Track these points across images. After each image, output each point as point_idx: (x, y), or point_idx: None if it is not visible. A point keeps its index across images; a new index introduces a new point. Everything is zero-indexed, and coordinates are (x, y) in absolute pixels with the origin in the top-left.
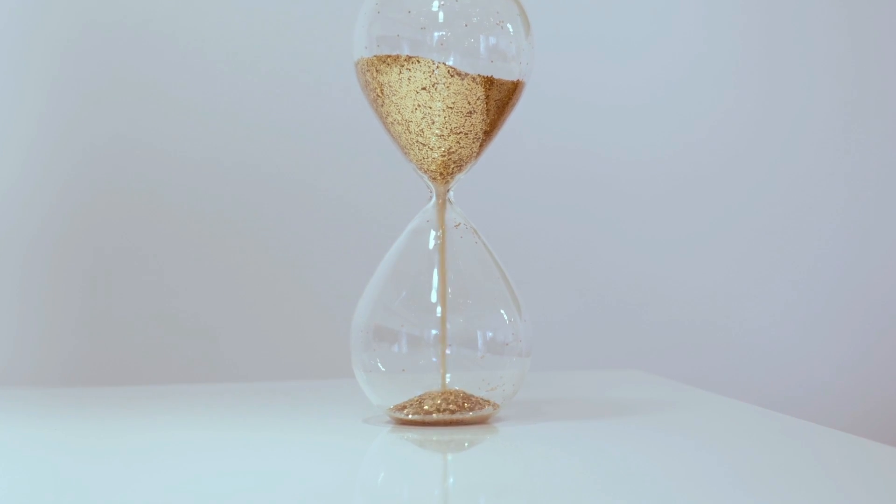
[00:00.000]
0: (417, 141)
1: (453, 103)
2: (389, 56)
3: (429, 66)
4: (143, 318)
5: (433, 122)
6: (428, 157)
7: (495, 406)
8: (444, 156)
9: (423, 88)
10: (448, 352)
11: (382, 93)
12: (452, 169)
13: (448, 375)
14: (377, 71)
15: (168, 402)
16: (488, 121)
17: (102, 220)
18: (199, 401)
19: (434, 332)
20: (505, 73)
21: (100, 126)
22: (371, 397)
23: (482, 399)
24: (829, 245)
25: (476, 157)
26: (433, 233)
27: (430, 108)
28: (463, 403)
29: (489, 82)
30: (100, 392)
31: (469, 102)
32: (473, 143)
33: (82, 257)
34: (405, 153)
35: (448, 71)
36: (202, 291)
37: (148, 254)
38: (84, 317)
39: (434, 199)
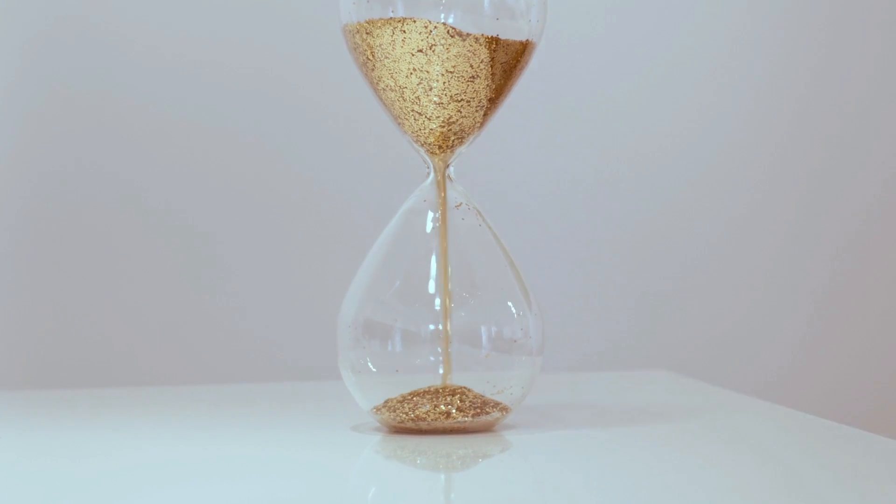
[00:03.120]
0: (413, 110)
1: (453, 67)
2: (381, 19)
3: (426, 26)
4: (105, 315)
5: (430, 89)
6: (425, 128)
7: (505, 409)
8: (444, 126)
9: (420, 50)
10: (449, 350)
11: (373, 56)
12: (453, 141)
13: (448, 377)
14: (367, 33)
15: (130, 408)
16: (493, 86)
17: (75, 219)
18: (164, 407)
19: (432, 327)
20: (512, 33)
21: (72, 126)
22: (360, 402)
23: (489, 399)
24: (884, 229)
25: (479, 127)
26: (431, 214)
27: (428, 72)
28: (466, 408)
29: (494, 43)
30: (59, 395)
31: (471, 66)
32: (476, 111)
33: (52, 253)
34: (399, 124)
35: (448, 30)
36: (168, 285)
37: (107, 245)
38: (52, 315)
39: (432, 175)
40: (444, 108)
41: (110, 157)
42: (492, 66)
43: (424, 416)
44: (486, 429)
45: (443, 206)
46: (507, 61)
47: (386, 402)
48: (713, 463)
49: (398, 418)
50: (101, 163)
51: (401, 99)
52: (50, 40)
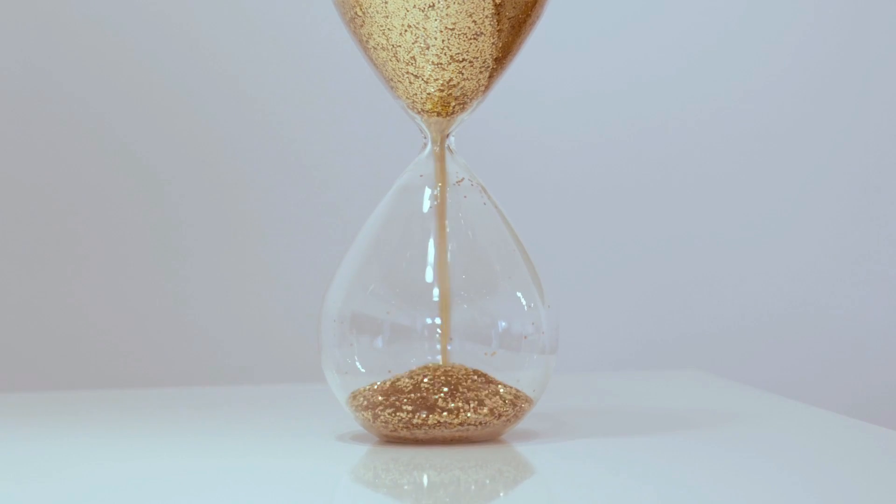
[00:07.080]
0: (408, 72)
1: (454, 24)
2: None
3: None
4: (65, 312)
5: (428, 48)
6: (422, 93)
7: (527, 402)
8: (443, 90)
9: (415, 6)
10: (449, 347)
11: (362, 11)
12: (453, 107)
13: None
14: None
15: (94, 414)
16: (499, 45)
17: (53, 214)
18: (128, 412)
19: (430, 321)
20: None
21: (52, 120)
22: (347, 407)
23: (505, 393)
24: None
25: (484, 91)
26: (428, 191)
27: (425, 29)
28: (475, 419)
29: None
30: (22, 399)
31: (475, 22)
32: (480, 73)
33: (26, 245)
34: (392, 87)
35: None
36: (128, 274)
37: (70, 238)
38: (23, 314)
39: (429, 146)
40: (444, 70)
41: (85, 143)
42: (498, 22)
43: (422, 422)
44: (491, 437)
45: (442, 181)
46: (515, 16)
47: (368, 399)
48: (754, 474)
49: (390, 426)
50: (78, 153)
51: (394, 59)
52: None
